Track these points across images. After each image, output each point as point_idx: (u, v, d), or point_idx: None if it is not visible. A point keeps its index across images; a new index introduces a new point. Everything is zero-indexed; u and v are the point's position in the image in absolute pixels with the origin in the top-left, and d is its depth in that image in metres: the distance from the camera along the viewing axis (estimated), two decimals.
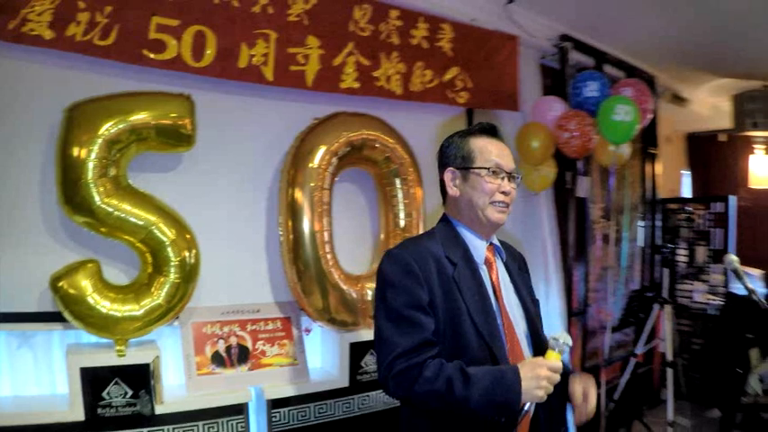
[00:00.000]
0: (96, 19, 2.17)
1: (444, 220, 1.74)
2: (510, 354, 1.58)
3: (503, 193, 1.63)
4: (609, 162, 3.31)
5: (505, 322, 1.62)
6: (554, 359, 1.47)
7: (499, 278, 1.68)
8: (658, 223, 5.11)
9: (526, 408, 1.44)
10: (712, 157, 6.34)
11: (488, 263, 1.67)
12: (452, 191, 1.68)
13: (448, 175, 1.69)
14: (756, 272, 5.09)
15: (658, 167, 4.91)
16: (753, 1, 3.14)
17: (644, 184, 4.71)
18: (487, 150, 1.65)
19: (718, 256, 5.01)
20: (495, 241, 1.74)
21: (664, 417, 4.35)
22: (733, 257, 2.12)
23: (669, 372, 3.71)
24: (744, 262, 5.31)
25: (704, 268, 5.07)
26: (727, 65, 4.45)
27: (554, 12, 3.38)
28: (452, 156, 1.69)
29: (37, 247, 2.23)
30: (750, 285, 2.08)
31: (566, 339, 1.49)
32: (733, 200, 5.02)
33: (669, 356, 3.74)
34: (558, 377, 1.46)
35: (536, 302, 1.83)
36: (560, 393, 1.57)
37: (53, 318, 2.24)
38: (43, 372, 2.33)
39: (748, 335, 3.90)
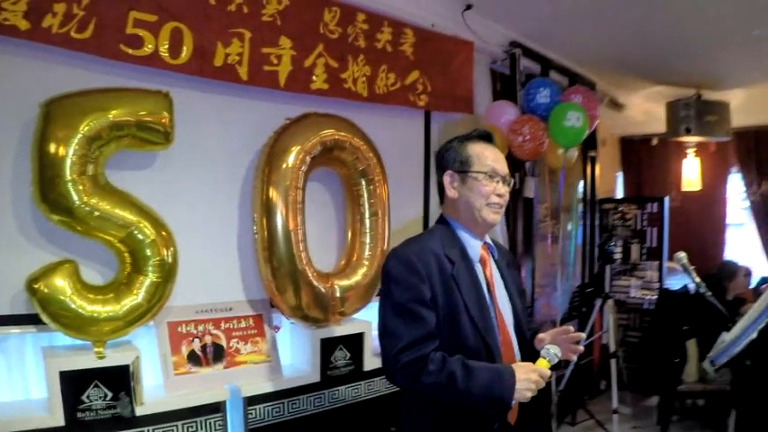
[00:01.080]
0: (73, 11, 2.10)
1: (442, 220, 1.88)
2: (502, 344, 1.76)
3: (498, 195, 1.78)
4: (558, 164, 3.56)
5: (498, 315, 1.78)
6: (544, 367, 1.65)
7: (492, 275, 1.83)
8: (597, 222, 5.46)
9: (513, 404, 1.61)
10: (645, 159, 6.75)
11: (483, 261, 1.83)
12: (451, 192, 1.81)
13: (447, 178, 1.82)
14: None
15: (597, 169, 5.23)
16: (687, 16, 3.46)
17: (585, 185, 5.02)
18: (484, 156, 1.79)
19: (652, 253, 5.45)
20: (489, 240, 1.89)
21: (605, 405, 4.72)
22: (682, 254, 2.36)
23: (612, 362, 4.01)
24: (672, 259, 5.79)
25: (638, 265, 5.49)
26: (662, 74, 4.81)
27: (506, 19, 3.58)
28: (451, 160, 1.82)
29: (8, 248, 2.14)
30: (698, 279, 2.32)
31: (556, 352, 1.69)
32: (667, 201, 5.45)
33: (612, 347, 4.05)
34: (544, 383, 1.64)
35: (523, 292, 1.99)
36: (544, 390, 1.74)
37: (27, 320, 2.16)
38: (16, 377, 2.25)
39: (684, 327, 4.27)
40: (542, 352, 1.69)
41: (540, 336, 1.81)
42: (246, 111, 2.70)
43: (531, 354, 1.79)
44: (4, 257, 2.13)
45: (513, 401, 1.59)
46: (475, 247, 1.81)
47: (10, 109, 2.12)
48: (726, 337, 2.16)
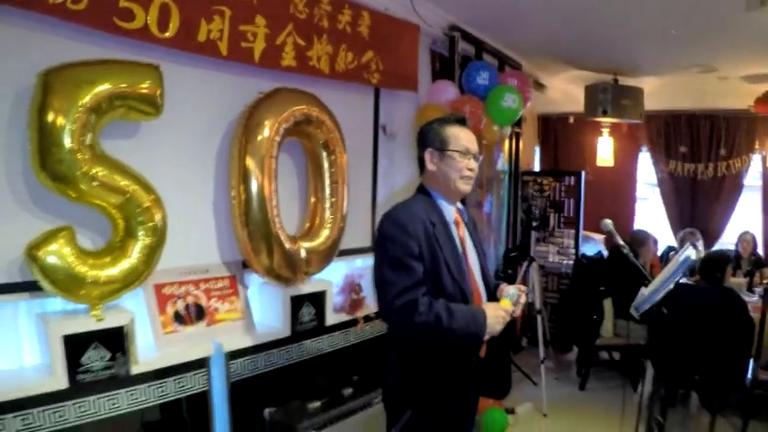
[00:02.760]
0: None
1: (422, 189, 2.19)
2: (473, 290, 2.11)
3: (469, 170, 2.12)
4: (494, 140, 3.97)
5: (468, 267, 2.13)
6: (508, 306, 2.05)
7: (464, 235, 2.18)
8: (520, 193, 5.93)
9: (486, 338, 1.98)
10: (561, 136, 7.32)
11: (456, 223, 2.17)
12: (431, 167, 2.13)
13: (428, 155, 2.14)
14: (598, 236, 6.20)
15: (521, 144, 5.68)
16: (611, 12, 3.91)
17: (510, 158, 5.46)
18: (459, 137, 2.12)
19: (569, 222, 5.98)
20: (460, 206, 2.24)
21: (528, 360, 5.27)
22: (608, 221, 2.82)
23: (538, 317, 4.52)
24: (588, 228, 6.43)
25: (555, 233, 6.02)
26: (583, 60, 5.30)
27: (447, 4, 3.89)
28: (431, 139, 2.14)
29: (5, 219, 2.18)
30: (621, 242, 2.80)
31: (515, 292, 2.10)
32: (583, 175, 5.97)
33: (538, 305, 4.56)
34: (509, 317, 2.04)
35: (485, 253, 2.37)
36: (508, 327, 2.12)
37: (21, 288, 2.22)
38: (11, 345, 2.30)
39: (601, 288, 4.83)
40: (504, 294, 2.10)
41: (501, 286, 2.21)
42: (221, 84, 2.83)
43: (493, 299, 2.17)
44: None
45: (486, 336, 1.95)
46: (450, 212, 2.15)
47: (2, 80, 2.14)
48: (645, 291, 2.65)
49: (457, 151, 2.09)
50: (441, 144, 2.11)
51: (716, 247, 6.56)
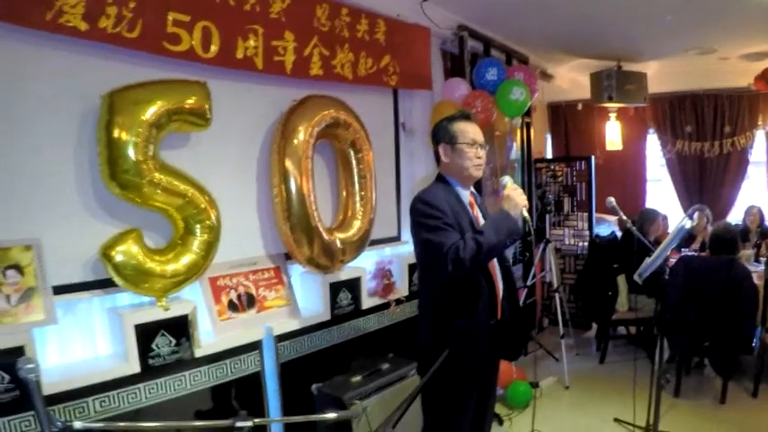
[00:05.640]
0: (123, 12, 2.42)
1: (440, 178, 2.52)
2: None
3: (478, 158, 2.46)
4: (505, 130, 4.25)
5: None
6: (511, 185, 2.42)
7: (477, 214, 2.52)
8: (533, 180, 6.14)
9: (524, 215, 2.35)
10: (571, 123, 7.52)
11: (471, 204, 2.51)
12: (445, 159, 2.48)
13: (441, 149, 2.49)
14: (612, 218, 6.42)
15: (532, 133, 5.91)
16: (611, 3, 4.18)
17: (522, 146, 5.70)
18: (467, 131, 2.46)
19: (582, 206, 6.21)
20: (473, 190, 2.57)
21: (549, 339, 5.56)
22: (611, 198, 3.10)
23: (556, 295, 4.78)
24: (601, 210, 6.63)
25: (570, 216, 6.26)
26: (587, 49, 5.57)
27: (455, 6, 4.19)
28: (443, 135, 2.49)
29: (75, 224, 2.46)
30: (625, 217, 3.08)
31: (509, 177, 2.50)
32: (593, 159, 6.17)
33: (555, 284, 4.82)
34: (519, 190, 2.40)
35: None
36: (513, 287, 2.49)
37: (96, 285, 2.52)
38: (87, 337, 2.60)
39: (615, 265, 5.07)
40: (502, 183, 2.47)
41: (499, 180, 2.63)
42: (257, 95, 3.12)
43: (506, 273, 2.55)
44: (73, 232, 2.44)
45: (519, 214, 2.32)
46: (465, 195, 2.50)
47: (69, 102, 2.41)
48: (648, 260, 2.94)
49: (465, 143, 2.42)
50: (451, 139, 2.45)
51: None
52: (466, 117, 2.53)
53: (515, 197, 2.34)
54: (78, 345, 2.58)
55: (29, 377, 1.45)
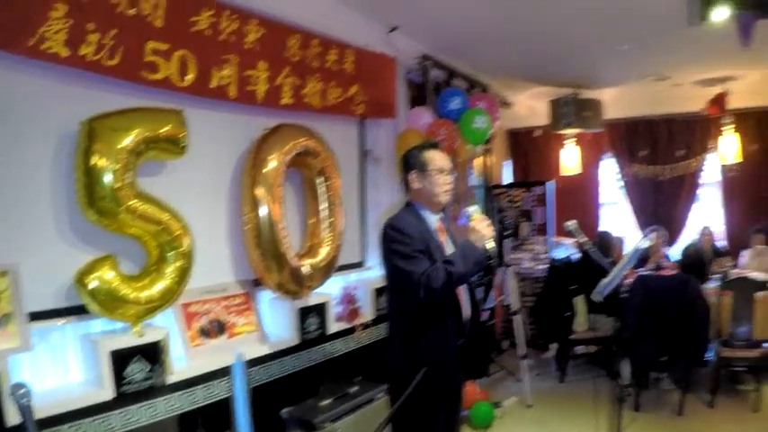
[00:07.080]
0: (104, 41, 2.45)
1: (409, 205, 2.63)
2: None
3: (447, 184, 2.57)
4: (467, 157, 4.41)
5: None
6: (476, 215, 2.50)
7: (445, 239, 2.62)
8: (492, 204, 6.30)
9: (489, 246, 2.43)
10: (530, 148, 7.75)
11: (439, 229, 2.61)
12: (416, 185, 2.58)
13: (413, 176, 2.59)
14: (569, 240, 6.65)
15: (491, 159, 6.11)
16: (568, 35, 4.41)
17: (483, 173, 5.88)
18: (435, 158, 2.59)
19: (540, 230, 6.40)
20: (442, 215, 2.67)
21: (510, 360, 5.64)
22: (569, 222, 3.28)
23: (517, 318, 4.92)
24: (560, 234, 6.81)
25: (527, 240, 6.45)
26: (545, 77, 5.83)
27: (419, 36, 4.37)
28: (413, 163, 2.60)
29: (49, 250, 2.45)
30: (585, 238, 3.26)
31: (476, 207, 2.57)
32: (551, 184, 6.38)
33: (514, 307, 4.97)
34: (485, 222, 2.49)
35: None
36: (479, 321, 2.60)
37: (70, 312, 2.50)
38: (59, 364, 2.57)
39: (572, 287, 5.28)
40: (468, 213, 2.53)
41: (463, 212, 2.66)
42: (229, 123, 3.18)
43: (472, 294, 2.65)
44: (47, 259, 2.43)
45: (484, 246, 2.41)
46: (434, 221, 2.60)
47: (47, 128, 2.42)
48: (604, 280, 3.11)
49: (435, 170, 2.54)
50: (422, 166, 2.56)
51: (678, 241, 7.01)
52: (434, 146, 2.67)
53: (481, 229, 2.44)
54: (51, 372, 2.54)
55: (22, 402, 1.47)
